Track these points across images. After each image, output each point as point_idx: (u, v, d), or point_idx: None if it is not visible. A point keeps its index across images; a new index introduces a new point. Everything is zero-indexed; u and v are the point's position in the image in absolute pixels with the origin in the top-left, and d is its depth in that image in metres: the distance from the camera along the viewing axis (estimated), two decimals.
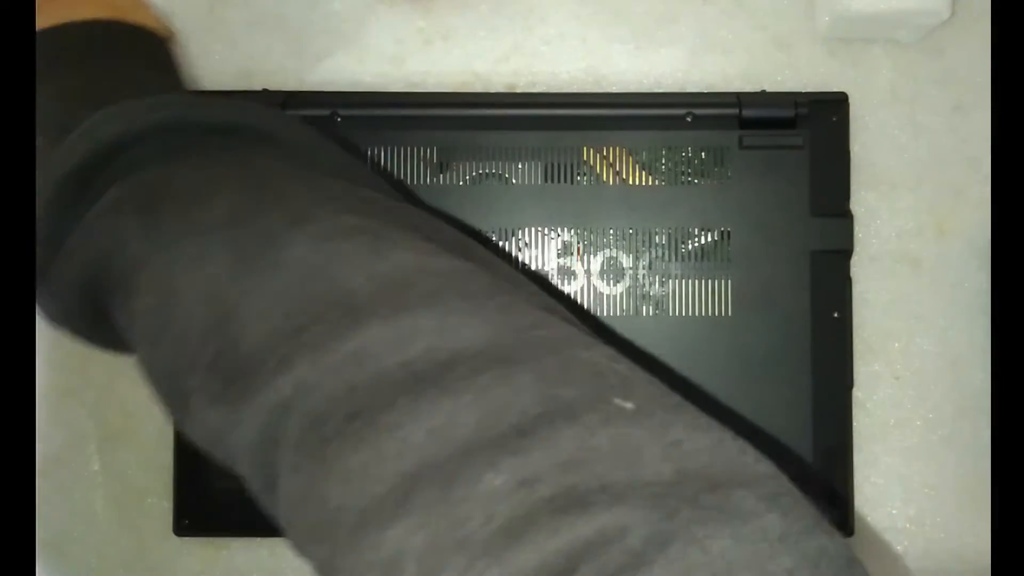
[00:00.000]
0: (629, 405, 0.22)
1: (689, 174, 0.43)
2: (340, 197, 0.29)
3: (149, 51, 0.36)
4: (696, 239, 0.43)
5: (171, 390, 0.28)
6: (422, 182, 0.43)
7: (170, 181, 0.29)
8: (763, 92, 0.44)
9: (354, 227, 0.27)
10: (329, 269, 0.26)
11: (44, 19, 0.33)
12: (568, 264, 0.43)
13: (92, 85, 0.32)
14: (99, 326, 0.31)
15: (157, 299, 0.28)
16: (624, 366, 0.24)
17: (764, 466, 0.22)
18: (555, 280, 0.43)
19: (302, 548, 0.25)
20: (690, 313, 0.43)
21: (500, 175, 0.43)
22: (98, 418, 0.45)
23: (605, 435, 0.22)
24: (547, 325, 0.25)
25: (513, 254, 0.43)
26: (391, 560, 0.21)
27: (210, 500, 0.43)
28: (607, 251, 0.43)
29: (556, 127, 0.43)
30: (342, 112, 0.43)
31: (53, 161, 0.29)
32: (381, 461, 0.22)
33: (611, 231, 0.43)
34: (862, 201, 0.44)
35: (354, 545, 0.22)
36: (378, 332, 0.24)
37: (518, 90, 0.45)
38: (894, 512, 0.44)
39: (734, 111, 0.43)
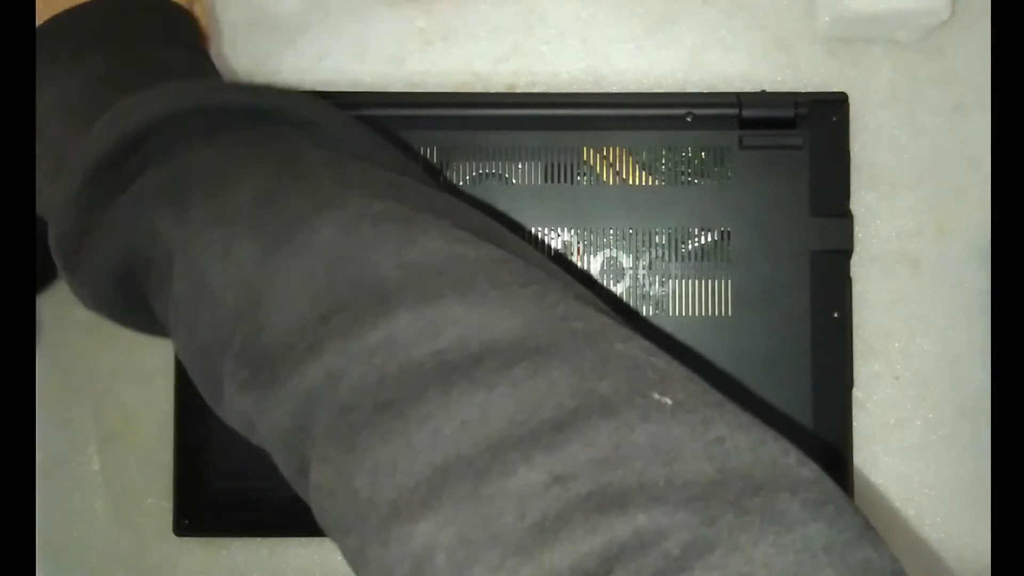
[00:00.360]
0: (668, 400, 0.22)
1: (689, 174, 0.43)
2: (370, 182, 0.28)
3: (172, 26, 0.35)
4: (696, 239, 0.43)
5: (206, 376, 0.28)
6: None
7: (197, 166, 0.28)
8: (763, 92, 0.44)
9: (384, 212, 0.26)
10: (358, 255, 0.25)
11: None
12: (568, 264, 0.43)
13: (118, 70, 0.32)
14: (135, 310, 0.31)
15: (189, 285, 0.27)
16: (662, 360, 0.24)
17: (808, 469, 0.21)
18: None
19: (333, 537, 0.24)
20: (690, 313, 0.43)
21: (500, 175, 0.43)
22: (98, 418, 0.45)
23: (643, 431, 0.21)
24: (582, 316, 0.24)
25: None
26: (421, 554, 0.20)
27: (210, 500, 0.43)
28: (607, 251, 0.43)
29: (556, 127, 0.43)
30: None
31: (82, 150, 0.29)
32: (411, 453, 0.22)
33: (611, 231, 0.43)
34: (862, 201, 0.44)
35: (384, 538, 0.21)
36: (408, 320, 0.23)
37: (518, 90, 0.45)
38: (894, 512, 0.44)
39: (734, 111, 0.42)
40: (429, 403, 0.22)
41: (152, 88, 0.29)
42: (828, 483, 0.21)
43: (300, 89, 0.44)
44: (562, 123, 0.43)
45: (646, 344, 0.24)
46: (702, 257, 0.43)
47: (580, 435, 0.21)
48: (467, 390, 0.22)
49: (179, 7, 0.36)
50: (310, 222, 0.26)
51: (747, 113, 0.42)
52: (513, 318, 0.23)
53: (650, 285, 0.43)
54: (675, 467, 0.20)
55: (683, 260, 0.43)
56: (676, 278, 0.43)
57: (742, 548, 0.19)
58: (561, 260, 0.43)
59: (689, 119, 0.43)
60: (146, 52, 0.33)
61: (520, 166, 0.43)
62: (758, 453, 0.21)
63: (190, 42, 0.36)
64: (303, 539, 0.44)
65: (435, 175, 0.43)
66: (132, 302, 0.31)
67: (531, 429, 0.21)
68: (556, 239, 0.43)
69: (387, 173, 0.30)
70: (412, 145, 0.43)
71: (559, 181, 0.43)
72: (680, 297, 0.43)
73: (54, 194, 0.29)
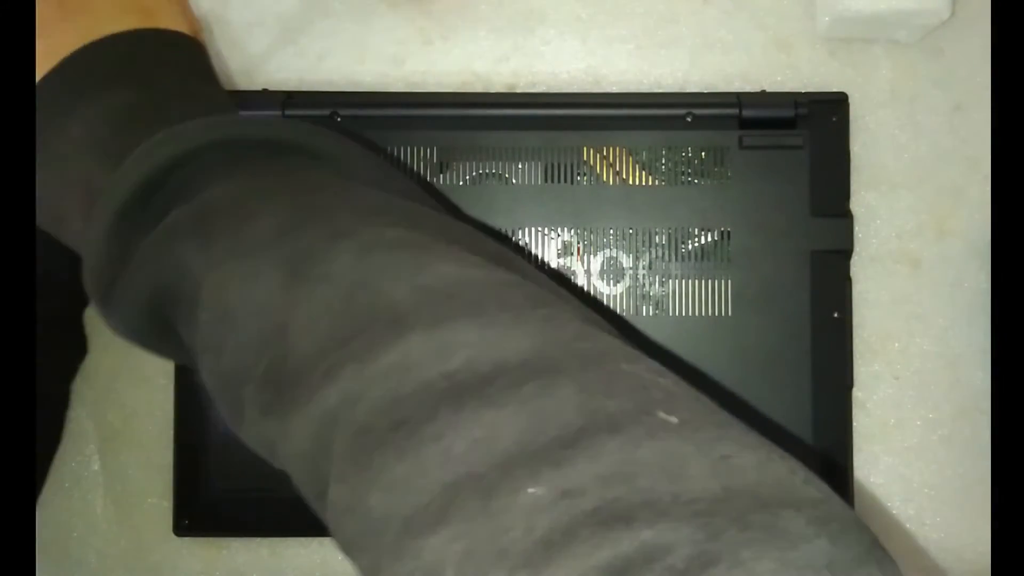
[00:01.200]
0: (673, 419, 0.22)
1: (689, 174, 0.43)
2: (384, 211, 0.29)
3: (186, 59, 0.36)
4: (696, 239, 0.43)
5: (229, 401, 0.29)
6: (422, 182, 0.43)
7: (219, 201, 0.30)
8: (763, 92, 0.44)
9: (397, 239, 0.27)
10: (372, 281, 0.26)
11: (72, 33, 0.33)
12: (568, 264, 0.43)
13: (141, 103, 0.33)
14: (166, 340, 0.32)
15: (214, 315, 0.28)
16: (669, 380, 0.24)
17: (815, 488, 0.21)
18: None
19: (349, 555, 0.25)
20: (690, 313, 0.43)
21: (500, 175, 0.43)
22: (98, 418, 0.45)
23: (649, 448, 0.21)
24: (590, 337, 0.25)
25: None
26: (431, 569, 0.21)
27: (210, 500, 0.43)
28: (607, 251, 0.43)
29: (556, 127, 0.43)
30: (342, 112, 0.43)
31: (110, 190, 0.30)
32: (423, 471, 0.22)
33: (611, 231, 0.43)
34: (862, 201, 0.44)
35: (396, 554, 0.22)
36: (420, 342, 0.24)
37: (518, 90, 0.45)
38: (894, 512, 0.44)
39: (734, 111, 0.43)
40: (441, 422, 0.23)
41: (174, 126, 0.31)
42: (836, 502, 0.21)
43: (300, 90, 0.44)
44: (562, 123, 0.43)
45: (653, 365, 0.25)
46: (702, 257, 0.43)
47: (587, 451, 0.21)
48: (477, 409, 0.22)
49: (190, 38, 0.37)
50: (327, 252, 0.27)
51: (747, 113, 0.42)
52: (522, 339, 0.24)
53: (650, 285, 0.43)
54: (681, 484, 0.20)
55: (683, 260, 0.43)
56: (676, 278, 0.43)
57: (744, 563, 0.19)
58: (561, 277, 0.43)
59: (689, 119, 0.43)
60: (166, 84, 0.34)
61: (520, 166, 0.43)
62: (764, 471, 0.21)
63: (204, 72, 0.37)
64: (303, 539, 0.44)
65: (435, 175, 0.43)
66: (164, 333, 0.32)
67: (540, 446, 0.21)
68: (556, 239, 0.43)
69: (401, 201, 0.31)
70: (412, 145, 0.43)
71: (559, 181, 0.43)
72: (680, 297, 0.43)
73: (87, 232, 0.30)
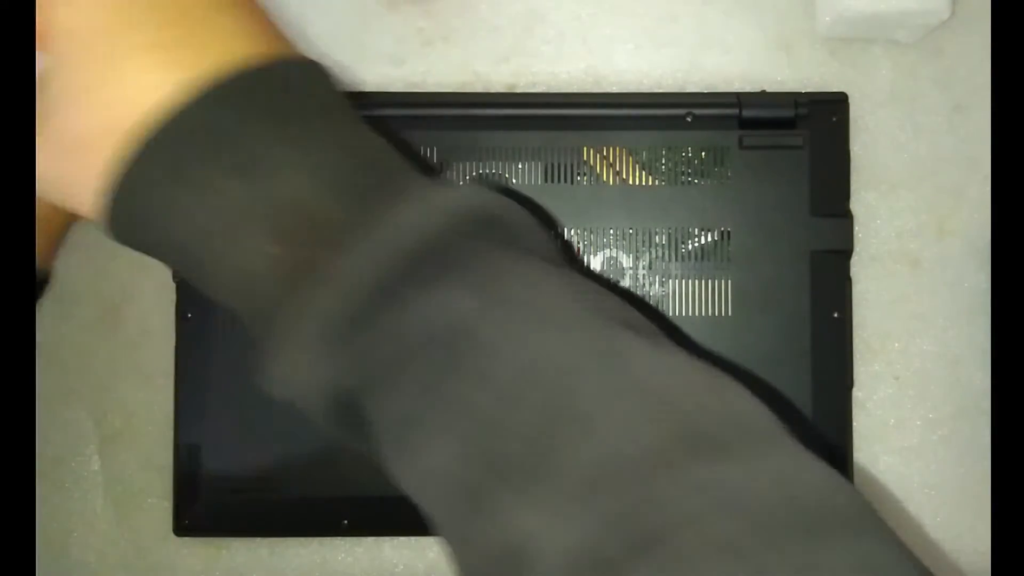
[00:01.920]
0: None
1: (689, 174, 0.43)
2: (645, 326, 0.29)
3: (335, 90, 0.33)
4: (696, 239, 0.43)
5: (463, 490, 0.25)
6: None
7: (499, 270, 0.28)
8: (763, 92, 0.44)
9: (688, 357, 0.26)
10: (674, 391, 0.25)
11: (226, 51, 0.30)
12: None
13: (361, 146, 0.31)
14: (344, 415, 0.28)
15: (506, 387, 0.25)
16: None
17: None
18: None
19: None
20: (690, 313, 0.43)
21: (500, 175, 0.43)
22: (98, 418, 0.45)
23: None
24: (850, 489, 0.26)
25: None
26: None
27: (210, 500, 0.43)
28: (607, 251, 0.43)
29: (556, 127, 0.43)
30: None
31: (386, 234, 0.27)
32: None
33: (611, 231, 0.43)
34: (862, 201, 0.44)
35: None
36: (751, 469, 0.24)
37: (518, 90, 0.45)
38: (894, 512, 0.44)
39: (734, 111, 0.43)
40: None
41: (446, 187, 0.29)
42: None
43: None
44: (562, 123, 0.43)
45: None
46: (702, 257, 0.43)
47: None
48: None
49: (320, 65, 0.33)
50: (629, 349, 0.26)
51: (747, 113, 0.42)
52: (829, 477, 0.25)
53: (650, 285, 0.43)
54: None
55: (683, 260, 0.43)
56: (676, 278, 0.43)
57: None
58: None
59: (689, 119, 0.43)
60: (365, 131, 0.32)
61: (520, 166, 0.43)
62: None
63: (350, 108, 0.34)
64: (303, 539, 0.44)
65: (435, 176, 0.43)
66: (345, 409, 0.28)
67: None
68: (556, 239, 0.43)
69: (642, 318, 0.30)
70: (412, 145, 0.43)
71: (559, 181, 0.43)
72: (680, 297, 0.43)
73: (343, 268, 0.27)
